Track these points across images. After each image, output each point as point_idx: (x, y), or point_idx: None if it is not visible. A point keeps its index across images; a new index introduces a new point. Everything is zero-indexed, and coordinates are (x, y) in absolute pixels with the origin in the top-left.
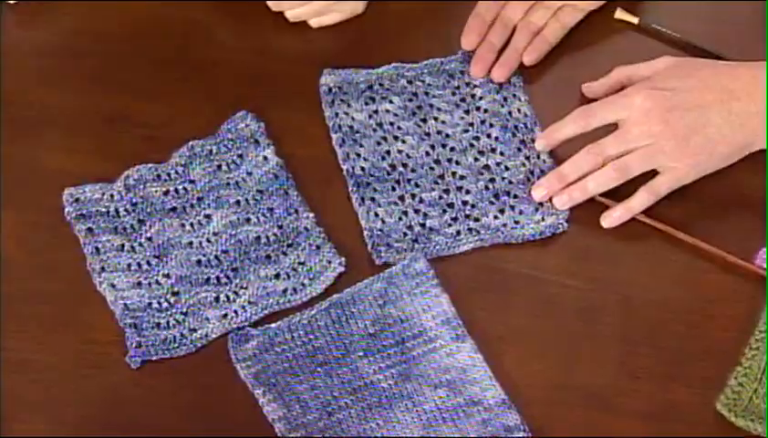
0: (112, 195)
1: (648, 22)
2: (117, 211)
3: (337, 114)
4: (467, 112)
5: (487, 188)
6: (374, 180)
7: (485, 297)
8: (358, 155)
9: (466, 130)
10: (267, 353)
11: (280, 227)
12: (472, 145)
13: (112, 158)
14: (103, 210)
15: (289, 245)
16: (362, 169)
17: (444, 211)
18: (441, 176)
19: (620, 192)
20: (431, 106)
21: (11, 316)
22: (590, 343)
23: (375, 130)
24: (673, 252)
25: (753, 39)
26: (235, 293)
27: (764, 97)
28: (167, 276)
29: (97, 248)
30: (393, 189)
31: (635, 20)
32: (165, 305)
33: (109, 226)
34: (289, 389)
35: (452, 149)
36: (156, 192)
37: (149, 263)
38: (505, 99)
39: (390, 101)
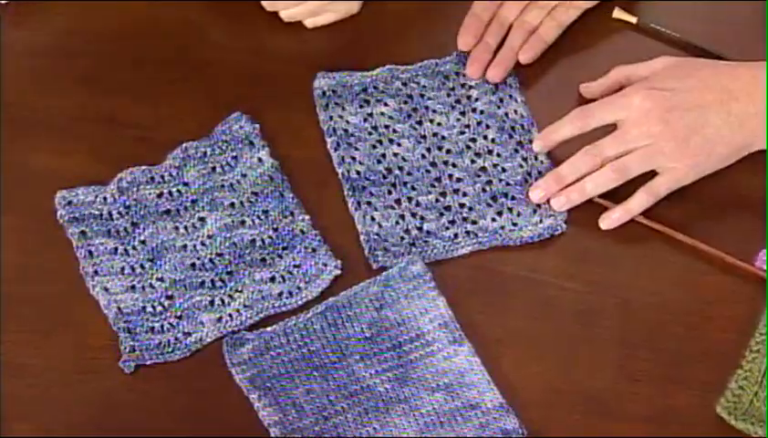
0: (105, 198)
1: (646, 21)
2: (110, 213)
3: (331, 118)
4: (463, 114)
5: (484, 190)
6: (370, 184)
7: (483, 299)
8: (354, 159)
9: (462, 132)
10: (263, 357)
11: (275, 230)
12: (468, 147)
13: (105, 160)
14: (96, 213)
15: (284, 248)
16: (358, 173)
17: (441, 214)
18: (438, 179)
19: (619, 194)
20: (427, 108)
21: (3, 319)
22: (589, 346)
23: (370, 134)
24: (672, 253)
25: (753, 39)
26: (230, 296)
27: (764, 97)
28: (161, 279)
29: (90, 251)
30: (389, 192)
31: (633, 20)
32: (159, 308)
33: (103, 229)
34: (285, 393)
35: (449, 151)
36: (149, 194)
37: (142, 266)
38: (501, 100)
39: (385, 104)
